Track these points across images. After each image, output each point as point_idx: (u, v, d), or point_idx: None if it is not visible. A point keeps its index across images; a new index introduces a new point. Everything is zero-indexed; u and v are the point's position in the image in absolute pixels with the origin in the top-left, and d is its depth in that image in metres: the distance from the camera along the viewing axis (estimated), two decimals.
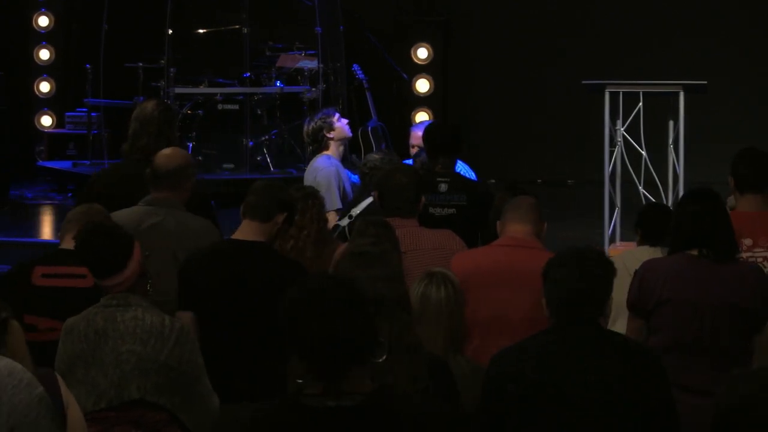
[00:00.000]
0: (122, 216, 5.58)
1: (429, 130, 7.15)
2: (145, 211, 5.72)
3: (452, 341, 4.60)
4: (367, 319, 3.08)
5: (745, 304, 5.00)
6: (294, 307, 3.06)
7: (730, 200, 6.22)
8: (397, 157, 7.69)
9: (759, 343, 5.03)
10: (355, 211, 6.69)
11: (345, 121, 8.30)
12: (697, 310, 4.98)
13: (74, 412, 3.62)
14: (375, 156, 7.25)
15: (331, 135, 8.10)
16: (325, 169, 7.98)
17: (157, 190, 5.79)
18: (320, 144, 8.11)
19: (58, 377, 3.57)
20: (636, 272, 5.18)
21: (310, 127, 8.16)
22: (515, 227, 5.35)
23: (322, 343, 3.01)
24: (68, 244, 5.18)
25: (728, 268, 5.07)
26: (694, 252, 5.07)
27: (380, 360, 3.07)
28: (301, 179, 8.21)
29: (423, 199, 5.94)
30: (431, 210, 6.60)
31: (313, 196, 5.93)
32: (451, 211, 6.69)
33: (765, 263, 5.64)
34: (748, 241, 5.66)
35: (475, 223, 6.58)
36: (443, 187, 6.72)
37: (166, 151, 5.92)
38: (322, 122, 8.11)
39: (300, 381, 3.05)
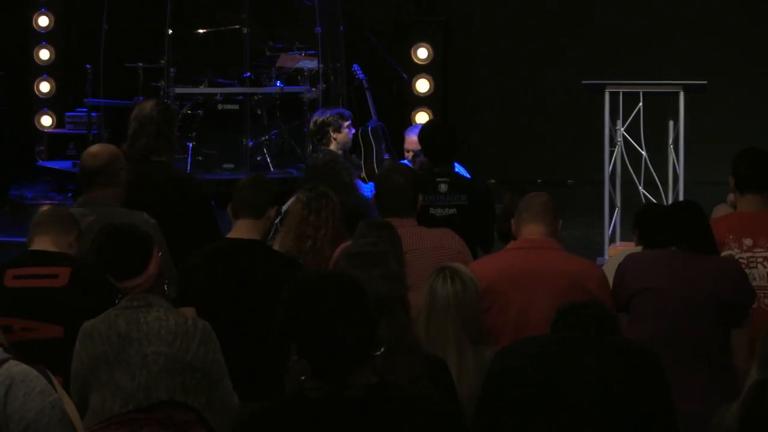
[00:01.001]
0: None
1: (428, 130, 7.12)
2: (80, 213, 5.63)
3: (466, 334, 4.59)
4: (368, 315, 3.03)
5: (724, 295, 5.06)
6: (293, 306, 3.01)
7: (730, 197, 6.23)
8: (337, 154, 7.70)
9: (738, 338, 5.07)
10: (284, 207, 6.59)
11: (352, 131, 8.32)
12: (676, 300, 5.03)
13: (69, 411, 3.61)
14: (314, 155, 7.26)
15: (335, 136, 8.11)
16: None
17: (89, 189, 5.76)
18: (322, 138, 8.11)
19: (51, 375, 3.56)
20: (619, 265, 5.24)
21: (321, 119, 8.15)
22: (530, 228, 5.29)
23: (324, 343, 2.97)
24: (37, 245, 5.18)
25: (708, 261, 5.17)
26: (674, 248, 5.15)
27: (378, 353, 3.04)
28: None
29: (420, 198, 5.94)
30: (432, 211, 6.60)
31: (326, 195, 5.92)
32: (452, 211, 6.68)
33: (765, 263, 5.64)
34: (748, 241, 5.67)
35: (475, 222, 6.58)
36: (443, 187, 6.71)
37: (92, 149, 5.90)
38: (333, 119, 8.12)
39: (303, 378, 3.01)
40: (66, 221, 5.27)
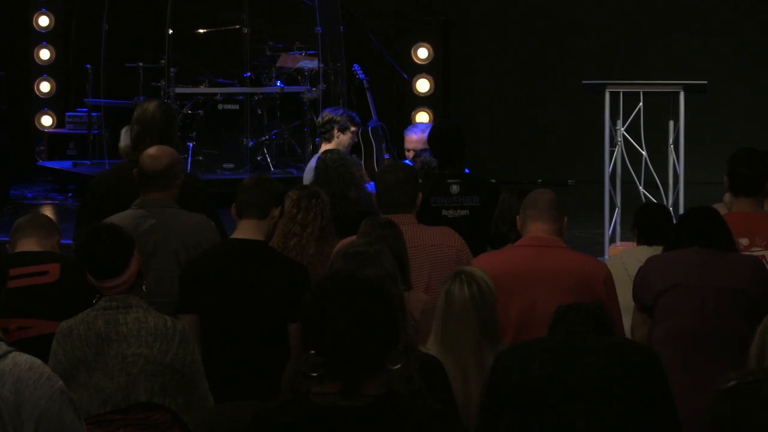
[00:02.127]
0: (117, 221, 5.47)
1: (437, 131, 7.08)
2: (140, 215, 5.63)
3: (485, 335, 4.61)
4: (393, 323, 3.00)
5: (748, 289, 5.03)
6: (316, 306, 2.98)
7: (726, 197, 6.24)
8: (346, 152, 7.73)
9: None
10: None
11: (354, 139, 8.36)
12: (705, 295, 5.00)
13: None
14: (322, 156, 7.29)
15: (337, 135, 8.14)
16: None
17: (148, 192, 5.71)
18: (325, 134, 8.15)
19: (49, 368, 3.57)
20: (640, 268, 5.23)
21: (330, 115, 8.20)
22: (536, 226, 5.26)
23: (339, 345, 2.93)
24: (21, 248, 5.20)
25: (730, 257, 5.15)
26: (696, 247, 5.14)
27: (396, 368, 3.00)
28: (301, 179, 8.23)
29: (420, 195, 5.92)
30: (444, 212, 6.59)
31: (317, 195, 5.95)
32: (464, 212, 6.66)
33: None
34: (744, 241, 5.68)
35: (488, 222, 6.56)
36: (455, 188, 6.69)
37: (151, 151, 5.80)
38: (342, 120, 8.15)
39: (315, 375, 2.98)
40: (47, 225, 5.32)
